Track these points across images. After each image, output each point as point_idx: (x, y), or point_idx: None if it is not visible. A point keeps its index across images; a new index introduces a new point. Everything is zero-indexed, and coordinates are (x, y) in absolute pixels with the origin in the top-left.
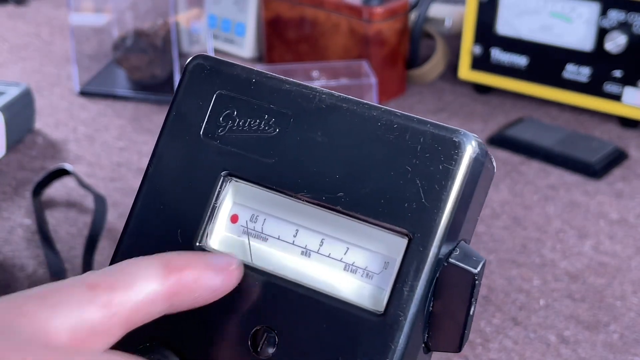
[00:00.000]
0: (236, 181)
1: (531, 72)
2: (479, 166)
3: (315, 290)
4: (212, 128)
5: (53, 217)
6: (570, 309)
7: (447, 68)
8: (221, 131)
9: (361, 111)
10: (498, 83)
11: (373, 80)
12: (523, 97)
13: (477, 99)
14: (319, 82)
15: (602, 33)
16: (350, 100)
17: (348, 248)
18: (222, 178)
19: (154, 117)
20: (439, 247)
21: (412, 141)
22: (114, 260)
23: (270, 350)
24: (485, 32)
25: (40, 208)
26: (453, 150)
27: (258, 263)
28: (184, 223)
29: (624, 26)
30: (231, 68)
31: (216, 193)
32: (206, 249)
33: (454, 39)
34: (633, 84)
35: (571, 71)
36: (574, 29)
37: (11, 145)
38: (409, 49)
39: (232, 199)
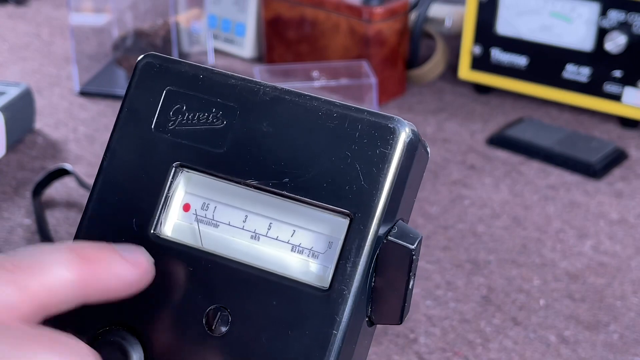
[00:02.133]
0: (187, 171)
1: (531, 72)
2: (412, 150)
3: (265, 270)
4: (162, 122)
5: (53, 217)
6: (570, 309)
7: (447, 68)
8: (171, 125)
9: (303, 102)
10: (498, 83)
11: (373, 80)
12: (523, 97)
13: (477, 99)
14: (319, 83)
15: (602, 33)
16: (292, 92)
17: (295, 230)
18: (173, 169)
19: None
20: (378, 226)
21: (350, 128)
22: None
23: (224, 328)
24: (485, 32)
25: (40, 208)
26: (388, 135)
27: (210, 248)
28: (138, 213)
29: (623, 26)
30: (179, 65)
31: (168, 183)
32: (161, 236)
33: (454, 39)
34: (633, 84)
35: (571, 71)
36: (574, 29)
37: (11, 145)
38: (409, 49)
39: (184, 189)
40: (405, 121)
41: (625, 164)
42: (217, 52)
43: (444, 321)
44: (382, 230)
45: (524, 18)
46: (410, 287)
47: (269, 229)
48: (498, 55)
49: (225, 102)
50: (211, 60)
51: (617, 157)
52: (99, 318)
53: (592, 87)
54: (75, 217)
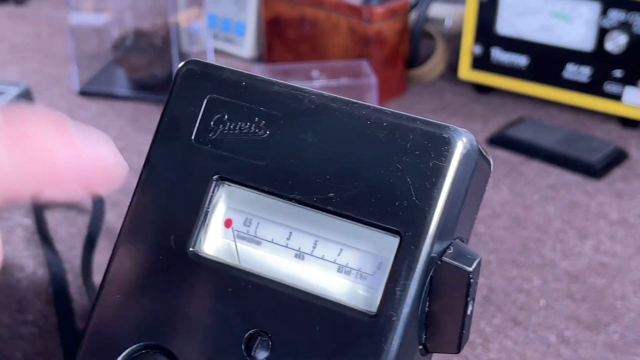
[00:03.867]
0: (229, 185)
1: (531, 72)
2: (471, 162)
3: (308, 293)
4: (203, 132)
5: (53, 217)
6: (570, 309)
7: (447, 68)
8: (212, 135)
9: (350, 110)
10: (498, 83)
11: (373, 80)
12: (523, 97)
13: (477, 99)
14: (319, 82)
15: (602, 33)
16: (339, 99)
17: (342, 249)
18: (214, 182)
19: (154, 117)
20: (431, 246)
21: (401, 139)
22: (110, 266)
23: (264, 354)
24: (485, 32)
25: (39, 208)
26: (443, 146)
27: (251, 267)
28: (177, 229)
29: (624, 26)
30: (221, 72)
31: (209, 198)
32: (200, 254)
33: (454, 39)
34: (633, 83)
35: (571, 71)
36: (574, 28)
37: None
38: (409, 49)
39: (225, 204)
40: (462, 130)
41: (626, 164)
42: (217, 51)
43: None
44: (436, 250)
45: (524, 18)
46: (468, 313)
47: (314, 247)
48: (498, 55)
49: (268, 110)
50: (211, 60)
51: (618, 157)
52: (133, 339)
53: (592, 87)
54: (75, 217)
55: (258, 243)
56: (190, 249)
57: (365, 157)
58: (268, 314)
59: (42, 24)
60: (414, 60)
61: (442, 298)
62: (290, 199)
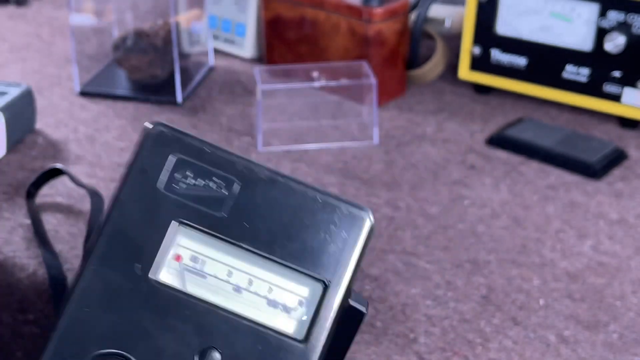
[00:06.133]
0: (184, 228)
1: (531, 72)
2: (372, 233)
3: (249, 319)
4: (170, 184)
5: (54, 218)
6: (570, 309)
7: (447, 68)
8: (177, 187)
9: (293, 186)
10: (498, 83)
11: (373, 80)
12: (523, 97)
13: (477, 99)
14: (319, 83)
15: (601, 33)
16: (285, 176)
17: (271, 287)
18: (174, 224)
19: (154, 118)
20: (347, 292)
21: (330, 213)
22: (78, 282)
23: None
24: (485, 33)
25: (34, 210)
26: (359, 222)
27: (200, 294)
28: (141, 259)
29: (623, 26)
30: (187, 138)
31: (168, 236)
32: (159, 281)
33: (454, 39)
34: (632, 84)
35: (571, 71)
36: (574, 29)
37: (12, 146)
38: (409, 49)
39: (180, 242)
40: (368, 210)
41: (625, 164)
42: (217, 52)
43: (444, 321)
44: (345, 296)
45: (523, 18)
46: (353, 341)
47: (249, 284)
48: (498, 55)
49: (227, 175)
50: (211, 61)
51: (617, 157)
52: (99, 346)
53: (591, 87)
54: (76, 217)
55: (203, 277)
56: (150, 276)
57: (304, 222)
58: (217, 334)
59: (43, 24)
60: (414, 60)
61: (342, 329)
62: (241, 247)
